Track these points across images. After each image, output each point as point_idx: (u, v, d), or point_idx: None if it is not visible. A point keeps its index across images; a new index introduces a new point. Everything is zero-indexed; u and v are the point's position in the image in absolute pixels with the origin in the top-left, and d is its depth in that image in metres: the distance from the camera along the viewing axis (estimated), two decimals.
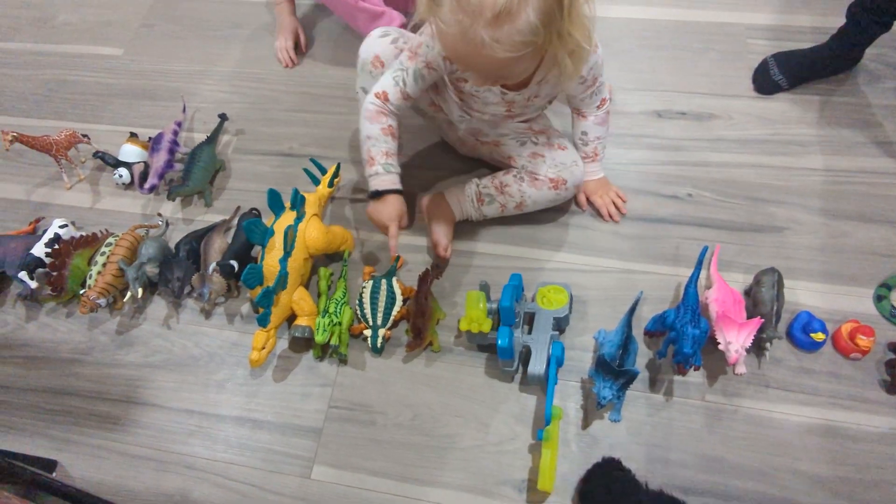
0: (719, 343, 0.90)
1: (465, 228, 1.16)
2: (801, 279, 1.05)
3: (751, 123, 1.25)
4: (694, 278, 0.98)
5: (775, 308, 0.96)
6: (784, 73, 1.26)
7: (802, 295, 1.04)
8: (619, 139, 1.24)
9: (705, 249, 1.04)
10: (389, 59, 1.02)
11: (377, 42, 1.04)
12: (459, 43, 0.77)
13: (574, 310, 1.04)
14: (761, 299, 0.97)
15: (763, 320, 0.93)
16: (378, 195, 0.99)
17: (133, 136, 1.30)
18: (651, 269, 1.09)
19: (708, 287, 1.02)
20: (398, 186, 1.00)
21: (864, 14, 1.14)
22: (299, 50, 1.46)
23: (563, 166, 1.06)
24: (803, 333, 0.97)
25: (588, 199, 1.16)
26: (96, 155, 1.27)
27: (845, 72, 1.28)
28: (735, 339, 0.89)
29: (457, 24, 0.75)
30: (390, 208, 0.99)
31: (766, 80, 1.28)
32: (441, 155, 1.26)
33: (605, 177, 1.15)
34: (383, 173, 0.99)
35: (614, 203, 1.15)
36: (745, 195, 1.15)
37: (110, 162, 1.26)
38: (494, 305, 1.00)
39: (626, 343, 0.94)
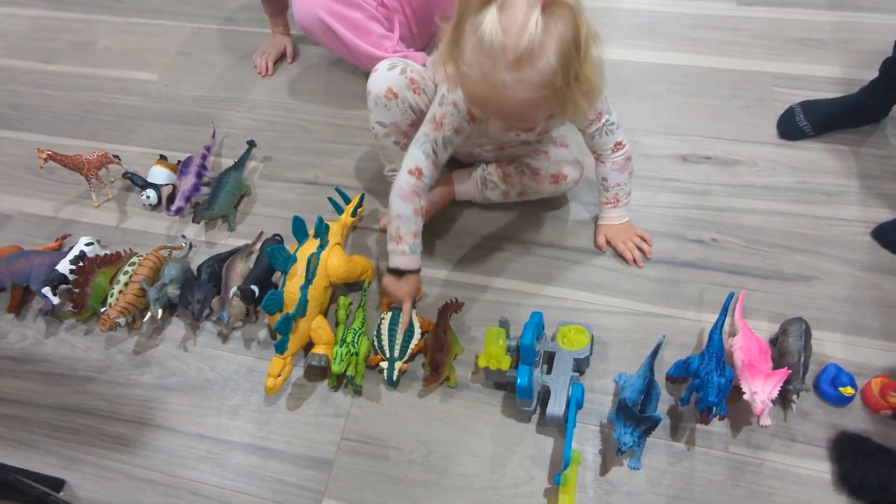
0: (744, 392, 0.88)
1: (484, 262, 1.16)
2: (829, 330, 1.02)
3: (777, 171, 1.24)
4: (719, 325, 0.97)
5: (802, 359, 0.94)
6: (810, 121, 1.26)
7: (830, 347, 1.01)
8: (645, 181, 1.24)
9: (731, 296, 1.02)
10: (402, 90, 1.04)
11: (386, 75, 1.05)
12: (481, 86, 0.79)
13: (595, 351, 1.02)
14: (788, 349, 0.95)
15: (790, 371, 0.91)
16: (399, 273, 1.01)
17: (163, 158, 1.32)
18: (674, 314, 1.07)
19: (732, 334, 1.00)
20: (416, 267, 1.02)
21: None
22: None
23: (563, 162, 1.11)
24: (831, 387, 0.94)
25: (610, 243, 1.15)
26: (126, 175, 1.29)
27: (872, 124, 1.28)
28: (761, 390, 0.86)
29: (479, 66, 0.77)
30: (409, 287, 1.02)
31: (792, 127, 1.28)
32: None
33: (629, 221, 1.15)
34: (409, 253, 1.00)
35: (639, 247, 1.14)
36: (772, 242, 1.14)
37: (139, 183, 1.28)
38: (514, 343, 0.99)
39: (649, 388, 0.91)
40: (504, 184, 1.13)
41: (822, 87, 1.35)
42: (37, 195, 1.36)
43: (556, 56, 0.76)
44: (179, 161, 1.31)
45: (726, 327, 1.02)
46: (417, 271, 1.03)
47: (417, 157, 0.99)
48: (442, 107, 0.97)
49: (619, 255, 1.15)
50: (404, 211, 0.99)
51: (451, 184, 1.19)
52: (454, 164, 1.22)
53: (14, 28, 1.75)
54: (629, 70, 1.45)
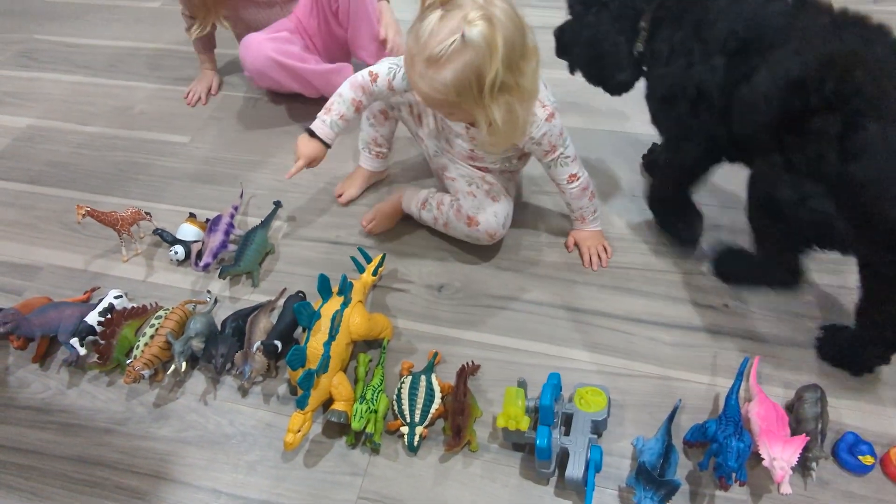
0: (763, 459, 0.88)
1: (499, 322, 1.19)
2: (845, 398, 1.03)
3: None
4: (734, 389, 0.98)
5: (820, 426, 0.94)
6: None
7: (847, 414, 1.02)
8: (654, 247, 1.29)
9: (745, 361, 1.04)
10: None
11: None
12: (407, 60, 0.99)
13: (611, 414, 1.03)
14: (805, 416, 0.96)
15: (808, 438, 0.91)
16: (312, 133, 1.19)
17: (192, 216, 1.38)
18: (689, 378, 1.09)
19: (748, 400, 1.01)
20: (328, 140, 1.20)
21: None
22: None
23: (482, 211, 1.21)
24: (850, 455, 0.94)
25: (577, 245, 1.29)
26: (156, 232, 1.34)
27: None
28: (780, 456, 0.87)
29: (410, 48, 0.97)
30: (311, 148, 1.20)
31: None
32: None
33: (601, 232, 1.29)
34: (328, 126, 1.19)
35: (599, 255, 1.27)
36: (784, 309, 1.17)
37: (168, 239, 1.33)
38: (532, 403, 1.00)
39: (667, 452, 0.92)
40: (437, 210, 1.26)
41: None
42: (68, 248, 1.41)
43: (453, 78, 0.92)
44: (208, 219, 1.36)
45: (742, 392, 1.03)
46: (327, 144, 1.20)
47: (381, 68, 1.15)
48: None
49: (581, 259, 1.28)
50: (345, 93, 1.16)
51: (400, 198, 1.33)
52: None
53: (57, 92, 1.86)
54: (623, 139, 1.52)
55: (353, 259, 1.22)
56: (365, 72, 1.15)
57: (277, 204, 1.42)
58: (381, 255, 1.25)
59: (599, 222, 1.28)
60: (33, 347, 1.19)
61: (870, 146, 0.81)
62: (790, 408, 1.01)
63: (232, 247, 1.31)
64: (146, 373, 1.09)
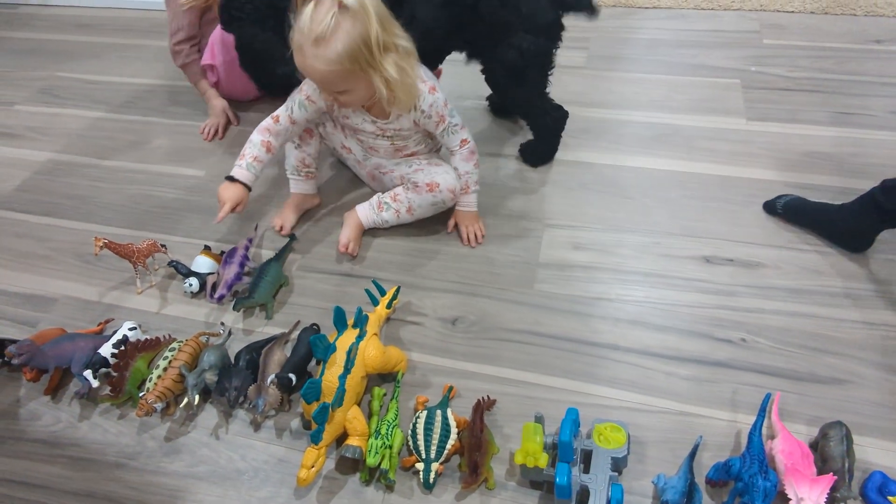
0: (791, 499, 0.86)
1: (515, 356, 1.18)
2: (871, 436, 1.01)
3: (801, 274, 1.28)
4: (757, 426, 0.96)
5: (847, 465, 0.92)
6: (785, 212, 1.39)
7: (873, 453, 0.99)
8: (669, 281, 1.28)
9: (768, 396, 1.02)
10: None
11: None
12: (299, 56, 1.11)
13: (631, 451, 1.01)
14: (830, 454, 0.94)
15: (836, 477, 0.89)
16: (232, 179, 1.30)
17: (207, 248, 1.39)
18: (709, 414, 1.07)
19: (771, 437, 0.99)
20: (248, 182, 1.31)
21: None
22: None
23: (435, 174, 1.34)
24: (880, 495, 0.92)
25: (457, 225, 1.42)
26: (170, 264, 1.35)
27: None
28: (808, 496, 0.85)
29: (296, 42, 1.10)
30: (233, 192, 1.30)
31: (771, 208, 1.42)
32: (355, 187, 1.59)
33: (476, 212, 1.42)
34: (244, 168, 1.31)
35: (476, 234, 1.41)
36: (802, 344, 1.15)
37: (183, 271, 1.34)
38: (549, 440, 0.98)
39: (690, 491, 0.90)
40: (395, 202, 1.38)
41: (831, 197, 1.41)
42: (83, 280, 1.42)
43: (343, 46, 1.07)
44: (223, 252, 1.37)
45: (764, 429, 1.01)
46: (247, 187, 1.31)
47: (281, 108, 1.32)
48: (305, 80, 1.28)
49: (459, 237, 1.42)
50: (255, 139, 1.32)
51: (354, 215, 1.41)
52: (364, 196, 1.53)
53: (76, 127, 1.90)
54: (645, 176, 1.53)
55: (368, 291, 1.22)
56: (268, 118, 1.33)
57: (292, 237, 1.43)
58: (396, 287, 1.25)
59: (476, 202, 1.40)
60: (45, 379, 1.19)
61: None
62: (814, 446, 0.99)
63: (246, 279, 1.32)
64: (159, 406, 1.08)
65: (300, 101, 1.29)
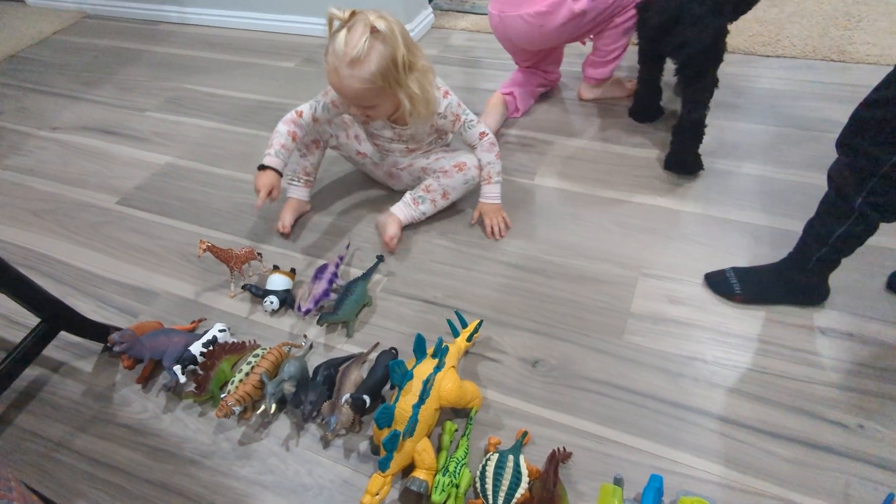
0: None
1: (598, 409, 1.11)
2: None
3: None
4: None
5: None
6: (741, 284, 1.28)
7: None
8: (775, 349, 1.17)
9: (891, 497, 0.90)
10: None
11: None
12: (333, 75, 1.21)
13: None
14: None
15: None
16: (263, 168, 1.37)
17: (276, 268, 1.42)
18: None
19: None
20: (279, 168, 1.38)
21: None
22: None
23: (458, 156, 1.47)
24: None
25: (482, 217, 1.49)
26: (245, 287, 1.38)
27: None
28: None
29: (331, 63, 1.20)
30: (266, 178, 1.36)
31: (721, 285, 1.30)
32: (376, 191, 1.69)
33: (500, 205, 1.49)
34: (273, 156, 1.38)
35: (500, 227, 1.47)
36: None
37: (259, 294, 1.37)
38: None
39: None
40: (429, 193, 1.48)
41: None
42: (183, 278, 1.50)
43: (377, 65, 1.18)
44: (293, 269, 1.42)
45: None
46: (279, 172, 1.38)
47: (305, 106, 1.41)
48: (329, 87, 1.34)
49: (483, 231, 1.49)
50: (281, 129, 1.40)
51: (393, 215, 1.48)
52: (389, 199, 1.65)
53: (195, 135, 2.05)
54: (750, 233, 1.43)
55: (450, 322, 1.20)
56: (292, 111, 1.41)
57: (380, 258, 1.44)
58: (478, 321, 1.23)
59: (500, 194, 1.48)
60: (139, 368, 1.25)
61: None
62: None
63: (333, 295, 1.34)
64: (237, 409, 1.11)
65: (324, 104, 1.39)
